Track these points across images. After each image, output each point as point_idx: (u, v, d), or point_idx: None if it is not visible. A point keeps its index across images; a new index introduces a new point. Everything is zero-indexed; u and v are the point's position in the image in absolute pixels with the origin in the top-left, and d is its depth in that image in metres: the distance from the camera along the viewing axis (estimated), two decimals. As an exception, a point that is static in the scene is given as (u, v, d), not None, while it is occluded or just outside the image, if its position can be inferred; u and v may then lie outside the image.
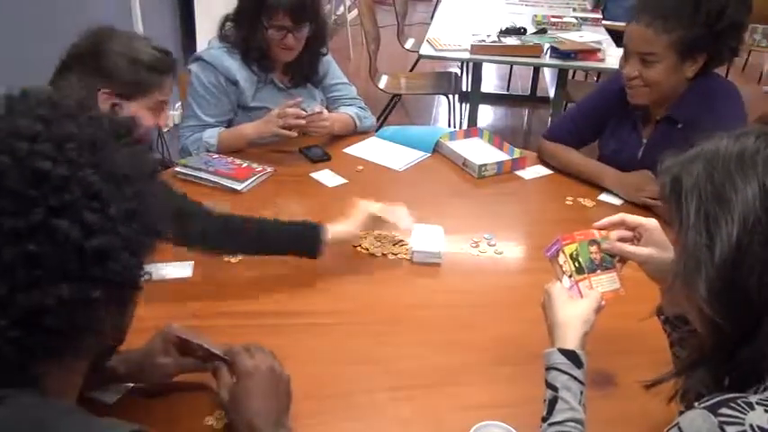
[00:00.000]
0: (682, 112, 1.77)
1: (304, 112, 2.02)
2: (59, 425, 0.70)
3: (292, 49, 2.10)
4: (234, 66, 2.09)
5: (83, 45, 1.48)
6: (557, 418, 0.97)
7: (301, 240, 1.50)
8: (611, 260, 1.15)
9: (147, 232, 0.75)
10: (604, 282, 1.13)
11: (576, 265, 1.12)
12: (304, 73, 2.23)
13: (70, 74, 1.46)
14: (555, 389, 0.99)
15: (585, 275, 1.13)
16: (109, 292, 0.71)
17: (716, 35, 1.66)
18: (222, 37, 2.14)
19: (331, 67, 2.34)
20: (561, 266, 1.13)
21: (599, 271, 1.14)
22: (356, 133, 2.28)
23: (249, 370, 1.04)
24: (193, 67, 2.13)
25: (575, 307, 1.07)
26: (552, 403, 0.98)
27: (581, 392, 1.00)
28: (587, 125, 2.04)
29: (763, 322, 0.77)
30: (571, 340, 1.03)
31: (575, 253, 1.13)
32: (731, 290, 0.78)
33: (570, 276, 1.12)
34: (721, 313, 0.79)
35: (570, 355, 1.01)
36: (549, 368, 1.02)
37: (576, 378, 1.00)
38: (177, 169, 1.97)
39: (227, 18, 2.15)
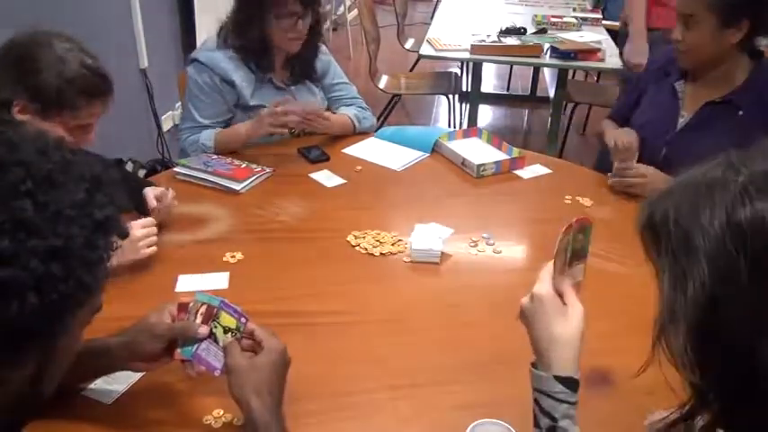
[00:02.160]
0: (746, 98, 1.76)
1: (297, 108, 2.03)
2: None
3: (300, 38, 2.09)
4: (230, 66, 2.09)
5: (15, 47, 1.40)
6: None
7: None
8: (586, 249, 1.08)
9: (67, 278, 0.65)
10: (575, 273, 1.06)
11: (566, 255, 1.04)
12: (304, 68, 2.22)
13: None
14: (554, 419, 0.93)
15: (567, 269, 1.05)
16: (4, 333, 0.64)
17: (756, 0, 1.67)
18: (222, 40, 2.11)
19: (332, 66, 2.34)
20: (558, 257, 1.03)
21: (575, 262, 1.06)
22: (355, 134, 2.29)
23: (280, 348, 1.09)
24: (189, 69, 2.13)
25: (570, 322, 0.96)
26: (550, 431, 0.93)
27: (575, 412, 0.94)
28: (632, 106, 2.08)
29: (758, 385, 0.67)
30: (570, 364, 0.93)
31: (569, 241, 1.04)
32: (711, 345, 0.68)
33: (561, 272, 1.04)
34: (700, 373, 0.70)
35: (569, 382, 0.93)
36: (543, 393, 0.94)
37: (574, 403, 0.93)
38: (177, 170, 1.98)
39: (225, 23, 2.13)
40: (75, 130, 1.43)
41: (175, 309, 1.12)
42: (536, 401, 0.96)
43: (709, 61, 1.81)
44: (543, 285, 0.99)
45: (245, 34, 2.08)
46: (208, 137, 2.10)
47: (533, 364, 0.98)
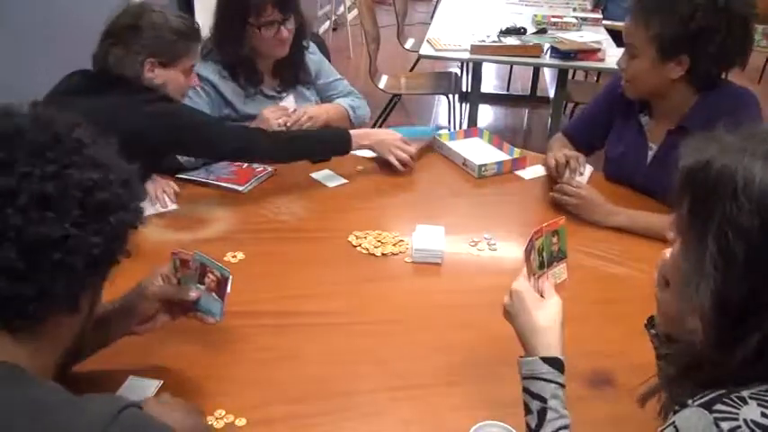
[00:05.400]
0: (695, 122, 1.73)
1: (286, 116, 2.05)
2: (57, 404, 0.73)
3: (285, 43, 2.09)
4: (220, 82, 2.08)
5: (122, 21, 1.68)
6: (548, 429, 0.97)
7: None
8: (564, 251, 1.14)
9: (134, 198, 0.87)
10: (557, 273, 1.13)
11: (540, 259, 1.11)
12: (293, 72, 2.21)
13: (115, 48, 1.66)
14: (543, 399, 0.98)
15: (545, 270, 1.11)
16: (103, 247, 0.80)
17: (691, 37, 1.66)
18: (205, 56, 2.08)
19: (323, 65, 2.33)
20: (531, 263, 1.11)
21: (555, 263, 1.12)
22: (353, 126, 2.28)
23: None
24: None
25: (549, 309, 1.05)
26: (542, 414, 0.97)
27: (564, 395, 0.99)
28: (595, 129, 2.05)
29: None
30: (554, 346, 1.01)
31: (541, 247, 1.11)
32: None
33: (534, 274, 1.10)
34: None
35: (555, 362, 1.00)
36: (531, 377, 1.00)
37: (561, 384, 0.99)
38: (177, 176, 1.96)
39: (207, 40, 2.10)
40: (188, 73, 1.77)
41: (167, 271, 1.17)
42: (525, 389, 1.00)
43: (653, 93, 1.80)
44: (520, 282, 1.09)
45: (229, 48, 2.06)
46: None
47: (521, 357, 1.04)
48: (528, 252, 1.10)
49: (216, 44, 2.09)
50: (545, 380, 0.98)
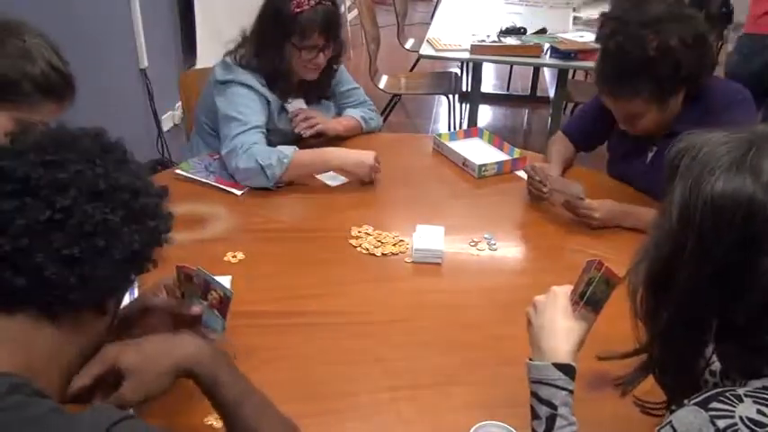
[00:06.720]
0: (689, 122, 1.63)
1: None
2: (51, 422, 0.73)
3: (318, 69, 2.05)
4: (264, 89, 2.03)
5: None
6: None
7: None
8: (601, 305, 1.11)
9: (168, 210, 0.93)
10: (588, 318, 1.09)
11: (585, 289, 1.09)
12: (320, 91, 2.20)
13: None
14: (553, 406, 0.97)
15: (580, 304, 1.09)
16: (140, 247, 0.87)
17: (684, 78, 1.66)
18: (243, 64, 2.03)
19: (343, 74, 2.30)
20: (580, 282, 1.09)
21: (590, 307, 1.10)
22: (363, 134, 2.28)
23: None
24: (226, 90, 2.01)
25: (574, 323, 1.03)
26: (551, 420, 0.97)
27: (572, 401, 0.98)
28: (594, 126, 2.05)
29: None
30: (566, 353, 1.00)
31: (592, 281, 1.09)
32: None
33: (575, 294, 1.08)
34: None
35: (567, 369, 0.98)
36: (540, 382, 0.99)
37: (571, 392, 0.98)
38: (177, 171, 1.96)
39: (240, 44, 2.05)
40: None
41: (171, 282, 1.17)
42: (534, 394, 0.99)
43: (663, 125, 1.78)
44: (563, 287, 1.07)
45: (268, 60, 2.01)
46: (288, 149, 1.92)
47: (530, 359, 1.03)
48: (584, 272, 1.08)
49: (255, 54, 2.02)
50: (556, 386, 0.97)
